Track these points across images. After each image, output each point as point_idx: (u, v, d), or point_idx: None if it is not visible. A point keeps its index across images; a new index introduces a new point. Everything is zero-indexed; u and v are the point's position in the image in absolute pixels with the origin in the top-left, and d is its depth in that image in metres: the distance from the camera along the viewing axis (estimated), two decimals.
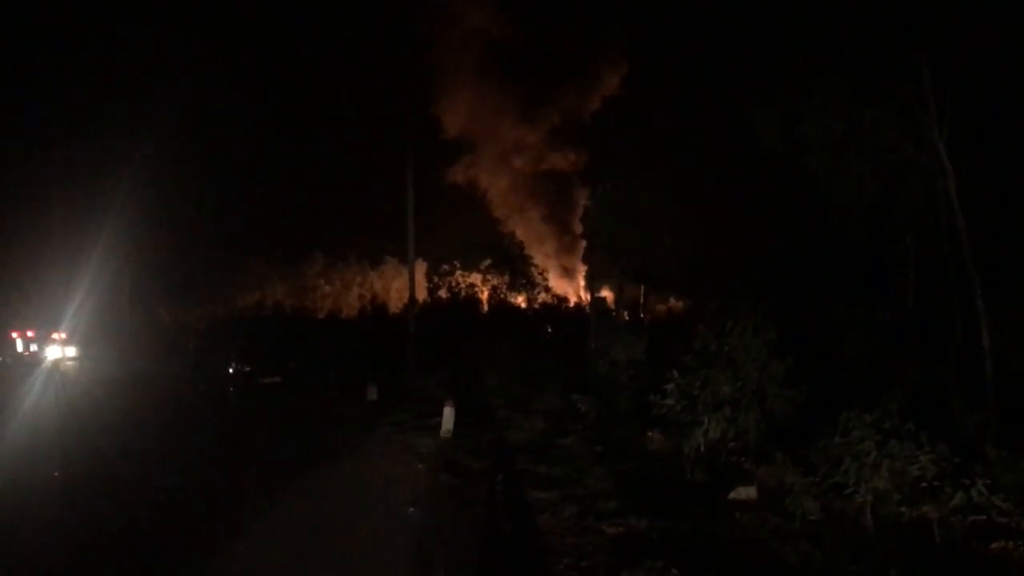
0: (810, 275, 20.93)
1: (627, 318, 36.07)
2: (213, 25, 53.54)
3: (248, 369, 30.86)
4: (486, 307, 42.83)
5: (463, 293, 42.70)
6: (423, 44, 59.37)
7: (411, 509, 11.90)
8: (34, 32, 51.27)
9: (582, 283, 50.48)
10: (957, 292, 17.40)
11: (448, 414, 18.34)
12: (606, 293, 42.87)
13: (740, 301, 15.86)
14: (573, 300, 46.52)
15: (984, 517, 10.95)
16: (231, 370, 30.52)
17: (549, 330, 40.59)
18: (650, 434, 16.57)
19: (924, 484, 11.10)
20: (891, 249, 19.97)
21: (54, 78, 50.77)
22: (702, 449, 14.32)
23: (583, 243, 46.47)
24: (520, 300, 43.27)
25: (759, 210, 24.25)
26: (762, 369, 14.69)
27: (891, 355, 17.68)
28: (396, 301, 53.05)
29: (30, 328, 44.42)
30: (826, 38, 18.22)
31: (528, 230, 59.25)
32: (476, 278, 43.43)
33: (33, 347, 43.81)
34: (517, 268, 42.97)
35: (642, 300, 39.18)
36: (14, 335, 44.60)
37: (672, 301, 42.88)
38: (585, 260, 42.74)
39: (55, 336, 43.17)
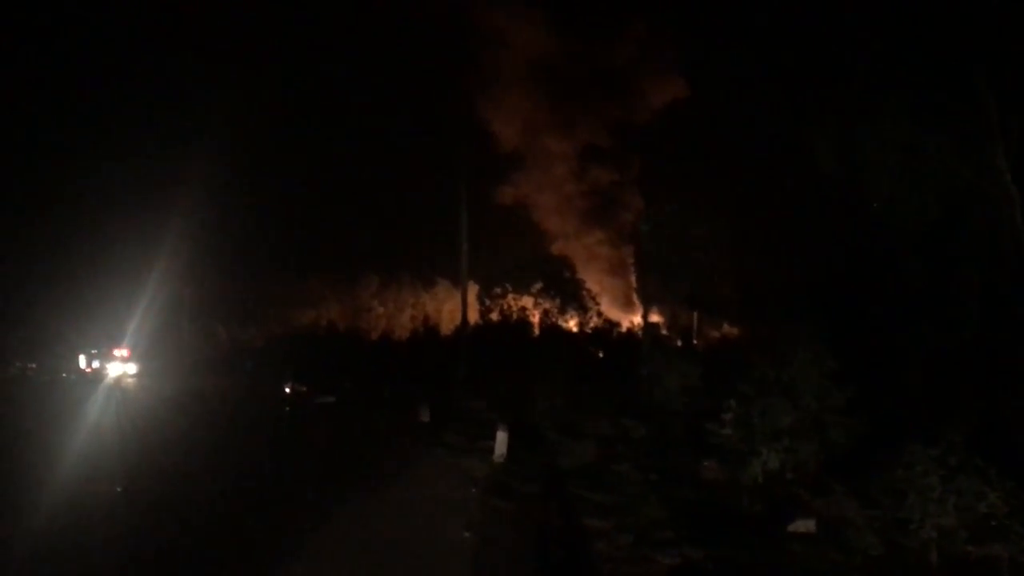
0: (869, 302, 20.57)
1: (679, 344, 35.76)
2: (272, 45, 54.69)
3: (303, 388, 31.23)
4: (537, 330, 42.76)
5: (514, 316, 42.72)
6: (473, 63, 59.74)
7: (466, 534, 11.91)
8: (94, 51, 52.95)
9: (634, 306, 50.14)
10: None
11: (501, 438, 18.33)
12: (655, 318, 42.51)
13: (797, 328, 15.66)
14: (625, 325, 46.14)
15: None
16: (287, 389, 30.91)
17: (600, 354, 40.37)
18: (706, 463, 16.38)
19: (993, 522, 10.79)
20: (954, 275, 19.54)
21: (114, 96, 52.31)
22: (760, 480, 14.13)
23: (634, 264, 46.23)
24: (571, 324, 43.14)
25: (816, 235, 23.95)
26: (821, 399, 14.48)
27: (955, 385, 17.27)
28: (448, 323, 53.14)
29: (93, 344, 45.56)
30: (886, 62, 18.02)
31: (578, 250, 59.14)
32: (528, 301, 43.41)
33: (96, 363, 44.94)
34: (568, 292, 42.89)
35: (695, 325, 38.80)
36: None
37: (725, 327, 42.36)
38: (638, 284, 42.50)
39: (116, 353, 44.22)
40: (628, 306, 53.54)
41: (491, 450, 18.31)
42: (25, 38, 49.82)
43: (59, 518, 12.37)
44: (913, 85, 17.80)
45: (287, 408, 27.98)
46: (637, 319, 44.62)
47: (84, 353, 45.27)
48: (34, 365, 44.59)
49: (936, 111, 17.66)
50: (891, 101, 18.18)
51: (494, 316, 42.79)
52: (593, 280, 50.97)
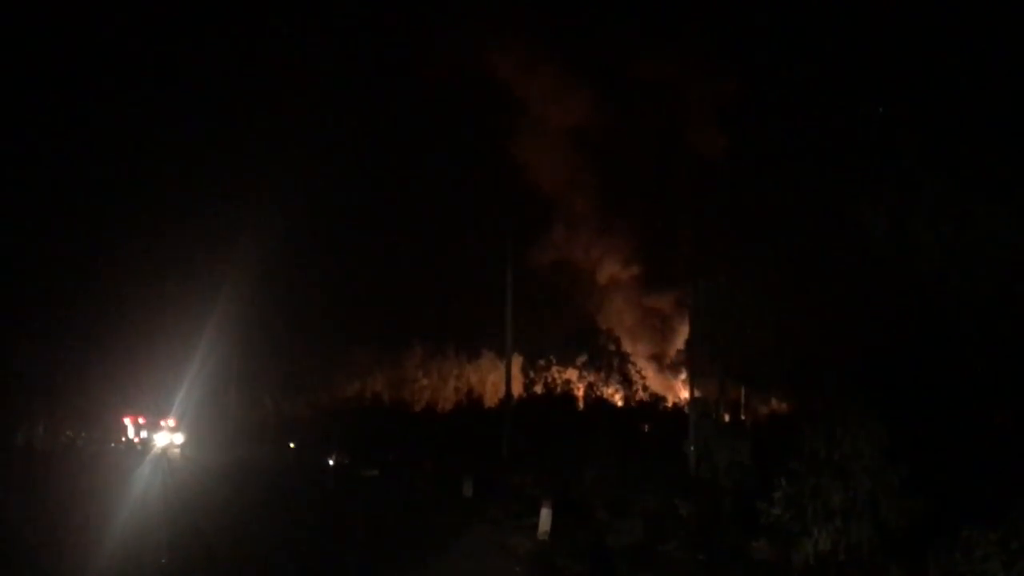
0: (925, 377, 20.08)
1: (727, 419, 35.10)
2: (322, 114, 56.28)
3: (347, 461, 31.22)
4: (582, 403, 42.35)
5: (559, 389, 42.39)
6: (517, 127, 60.56)
7: None
8: (150, 116, 54.78)
9: (679, 380, 49.50)
10: None
11: (545, 515, 18.08)
12: (701, 391, 41.82)
13: (850, 404, 15.32)
14: (671, 399, 45.51)
15: None
16: (331, 462, 30.93)
17: (646, 428, 39.79)
18: (756, 543, 15.92)
19: None
20: (1014, 349, 19.01)
21: (165, 169, 53.84)
22: (812, 561, 13.69)
23: (680, 337, 45.67)
24: (616, 397, 42.68)
25: (868, 307, 23.59)
26: (875, 477, 14.07)
27: (1015, 465, 16.68)
28: (492, 395, 52.98)
29: (141, 414, 46.10)
30: (937, 132, 17.93)
31: (622, 323, 58.81)
32: (572, 374, 43.10)
33: (143, 433, 45.42)
34: (614, 365, 42.53)
35: (743, 400, 38.11)
36: (126, 420, 46.31)
37: (775, 402, 41.58)
38: (686, 357, 42.03)
39: (164, 423, 44.68)
40: (674, 379, 52.92)
41: (535, 526, 18.05)
42: (78, 97, 51.65)
43: None
44: (965, 155, 17.66)
45: (331, 481, 27.95)
46: (683, 392, 43.99)
47: (132, 423, 45.84)
48: (84, 434, 45.23)
49: (989, 181, 17.46)
50: (943, 171, 18.02)
51: (538, 388, 42.49)
52: (634, 346, 50.58)
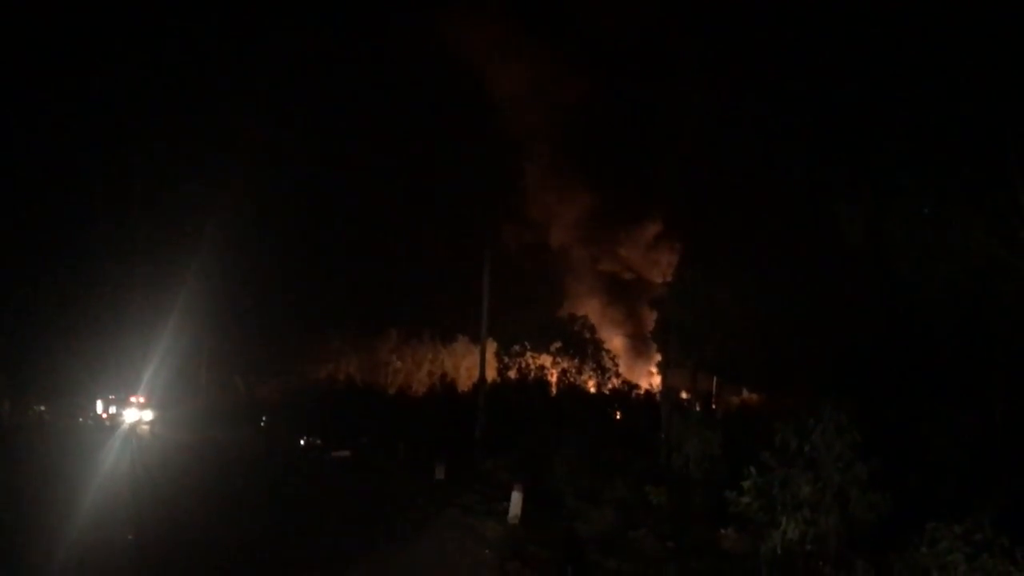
0: (896, 374, 20.32)
1: (698, 408, 35.33)
2: (300, 102, 55.92)
3: (319, 442, 31.12)
4: (555, 390, 42.38)
5: (532, 374, 42.40)
6: (498, 114, 60.38)
7: None
8: (121, 97, 54.08)
9: (652, 368, 49.71)
10: None
11: (516, 499, 18.14)
12: (674, 381, 42.05)
13: (821, 398, 15.46)
14: (644, 386, 45.71)
15: None
16: (302, 443, 30.83)
17: (618, 415, 39.95)
18: (724, 532, 16.08)
19: None
20: (982, 351, 19.30)
21: (138, 146, 53.18)
22: (779, 551, 13.83)
23: (652, 324, 45.90)
24: (590, 384, 42.77)
25: (843, 305, 23.80)
26: (844, 471, 14.22)
27: (982, 462, 16.95)
28: (465, 380, 53.00)
29: (110, 391, 45.66)
30: (915, 137, 18.07)
31: (596, 308, 58.91)
32: (546, 360, 43.10)
33: (112, 409, 45.03)
34: (588, 352, 42.58)
35: (714, 390, 38.34)
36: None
37: (745, 393, 41.87)
38: (658, 347, 42.20)
39: (133, 399, 44.30)
40: (647, 366, 53.14)
41: (507, 511, 18.10)
42: (46, 80, 50.86)
43: (70, 568, 12.30)
44: (941, 161, 17.82)
45: (302, 462, 27.87)
46: (656, 381, 44.18)
47: (102, 399, 45.40)
48: (43, 408, 44.72)
49: (964, 187, 17.64)
50: (919, 176, 18.17)
51: (512, 374, 42.46)
52: (608, 331, 50.72)
